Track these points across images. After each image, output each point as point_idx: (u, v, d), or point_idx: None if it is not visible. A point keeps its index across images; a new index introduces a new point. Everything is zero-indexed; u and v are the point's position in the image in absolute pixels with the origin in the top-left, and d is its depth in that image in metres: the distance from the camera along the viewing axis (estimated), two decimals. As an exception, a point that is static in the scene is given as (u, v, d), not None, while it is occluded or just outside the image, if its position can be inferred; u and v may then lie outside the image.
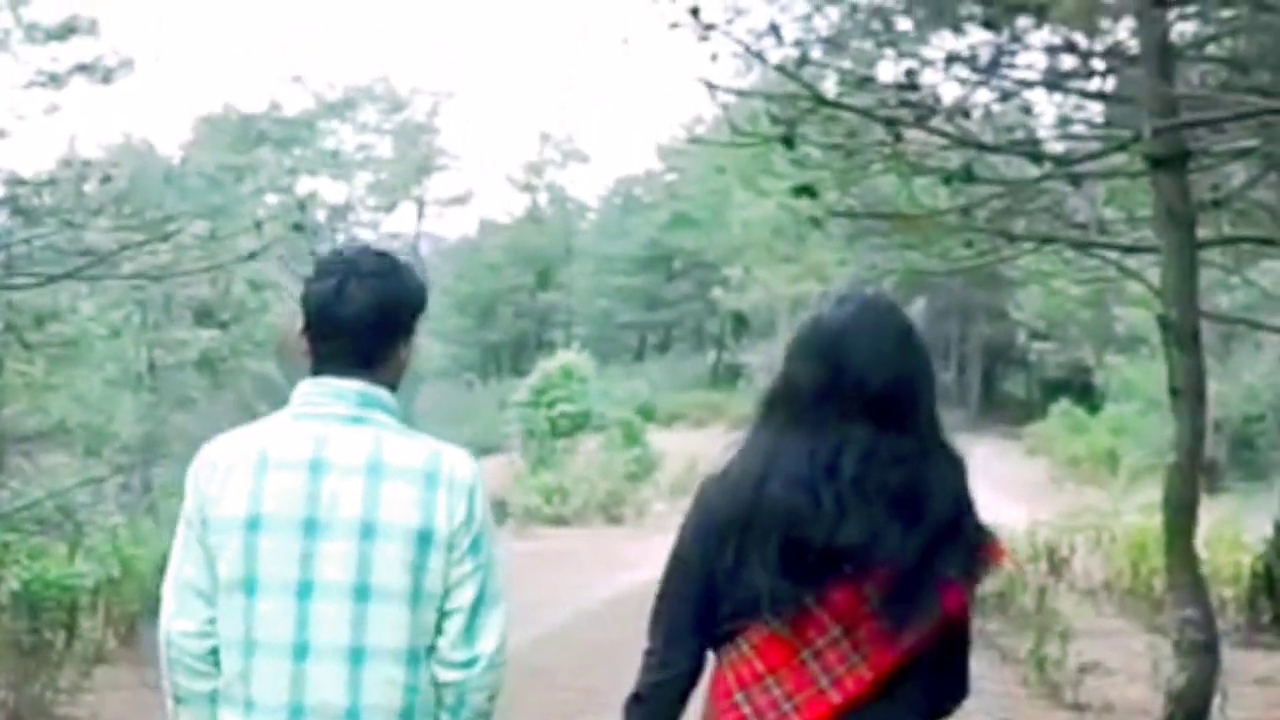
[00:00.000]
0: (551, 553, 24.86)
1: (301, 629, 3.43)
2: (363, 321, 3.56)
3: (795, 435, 3.34)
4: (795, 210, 15.82)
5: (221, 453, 3.56)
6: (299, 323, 3.65)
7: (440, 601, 3.51)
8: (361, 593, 3.44)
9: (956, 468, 3.41)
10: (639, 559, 20.14)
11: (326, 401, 3.56)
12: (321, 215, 76.56)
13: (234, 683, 3.49)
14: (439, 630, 3.53)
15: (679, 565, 3.44)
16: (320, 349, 3.61)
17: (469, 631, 3.53)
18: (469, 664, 3.53)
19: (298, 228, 20.32)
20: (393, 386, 3.65)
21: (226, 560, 3.46)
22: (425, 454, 3.55)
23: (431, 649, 3.53)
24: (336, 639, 3.43)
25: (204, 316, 43.80)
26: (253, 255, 17.01)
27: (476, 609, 3.53)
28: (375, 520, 3.45)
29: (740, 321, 66.58)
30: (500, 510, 32.24)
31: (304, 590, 3.43)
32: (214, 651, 3.52)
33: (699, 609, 3.38)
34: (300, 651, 3.43)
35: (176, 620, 3.54)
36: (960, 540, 3.34)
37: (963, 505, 3.38)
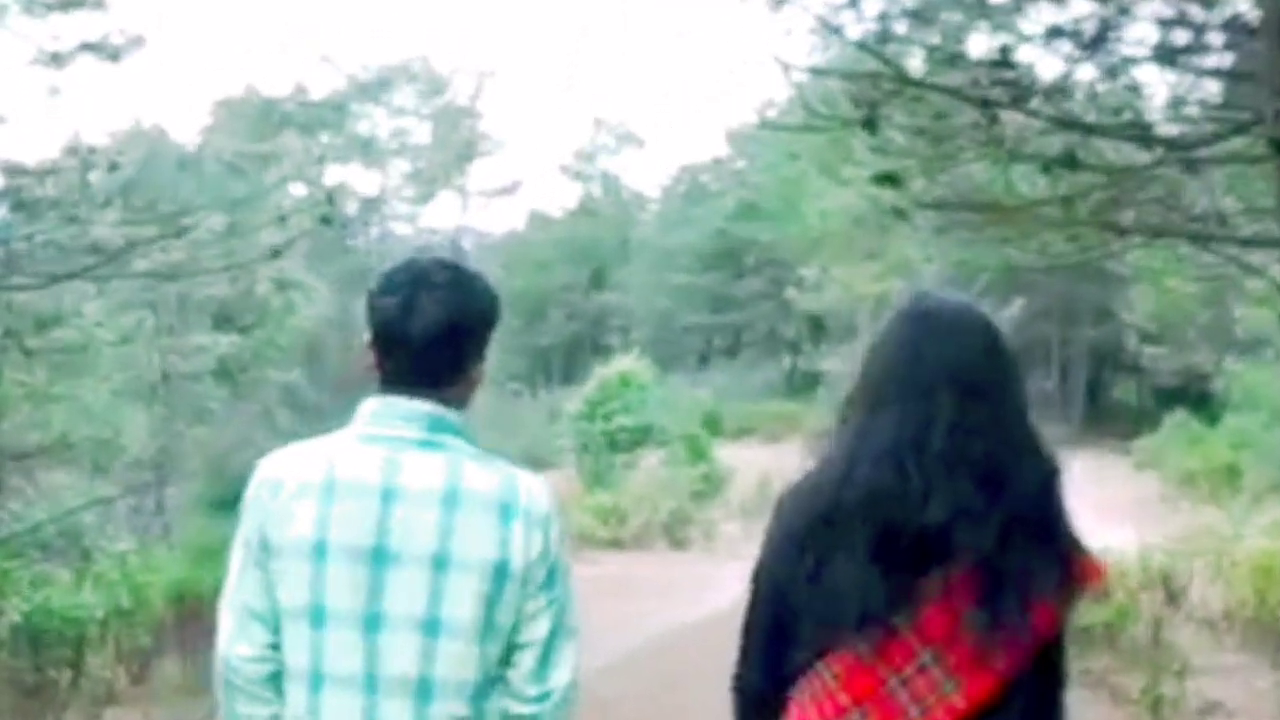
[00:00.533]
0: (610, 579, 24.88)
1: (370, 661, 3.51)
2: (432, 338, 3.63)
3: (881, 416, 3.41)
4: (877, 200, 15.79)
5: (285, 471, 3.62)
6: (366, 335, 3.71)
7: (510, 634, 3.60)
8: (431, 626, 3.52)
9: (1046, 463, 3.45)
10: (707, 586, 20.17)
11: (396, 423, 3.62)
12: (352, 207, 76.94)
13: (303, 716, 3.58)
14: (511, 663, 3.63)
15: (756, 583, 3.52)
16: (387, 365, 3.68)
17: (542, 665, 3.63)
18: (542, 698, 3.64)
19: (326, 221, 20.34)
20: (463, 405, 3.70)
21: (289, 587, 3.55)
22: (501, 482, 3.62)
23: (496, 680, 3.62)
24: (405, 672, 3.52)
25: (223, 320, 44.08)
26: (277, 252, 17.07)
27: (550, 643, 3.63)
28: (449, 552, 3.53)
29: (817, 324, 66.35)
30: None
31: (372, 622, 3.52)
32: (274, 676, 3.61)
33: (778, 629, 3.44)
34: (370, 684, 3.51)
35: (235, 644, 3.62)
36: (1051, 544, 3.37)
37: (1054, 504, 3.42)
